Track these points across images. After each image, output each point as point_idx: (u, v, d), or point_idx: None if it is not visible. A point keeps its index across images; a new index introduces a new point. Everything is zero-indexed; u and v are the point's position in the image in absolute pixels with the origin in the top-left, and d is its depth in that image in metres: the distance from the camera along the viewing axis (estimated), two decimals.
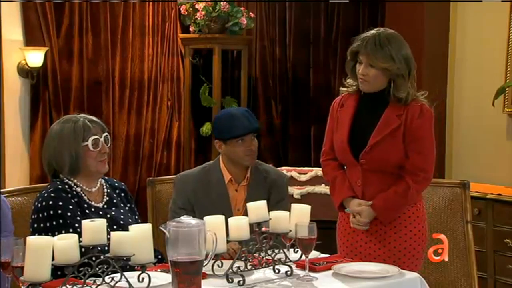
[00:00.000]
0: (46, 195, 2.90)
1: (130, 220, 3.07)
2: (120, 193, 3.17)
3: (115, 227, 2.91)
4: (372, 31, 3.14)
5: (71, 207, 2.89)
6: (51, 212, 2.85)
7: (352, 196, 3.18)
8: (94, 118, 3.06)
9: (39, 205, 2.89)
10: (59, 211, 2.85)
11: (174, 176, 3.64)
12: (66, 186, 2.96)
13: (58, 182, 2.98)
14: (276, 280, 2.72)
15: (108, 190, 3.11)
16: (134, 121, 5.44)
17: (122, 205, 3.12)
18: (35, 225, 2.87)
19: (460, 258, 3.82)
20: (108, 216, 2.97)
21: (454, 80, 5.62)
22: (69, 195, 2.93)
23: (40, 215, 2.87)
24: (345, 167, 3.25)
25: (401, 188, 3.10)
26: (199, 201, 3.39)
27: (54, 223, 2.84)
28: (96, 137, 2.99)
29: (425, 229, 3.21)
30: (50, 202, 2.87)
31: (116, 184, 3.20)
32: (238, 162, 3.43)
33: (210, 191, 3.42)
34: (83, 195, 2.99)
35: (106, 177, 3.16)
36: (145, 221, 3.32)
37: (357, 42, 3.14)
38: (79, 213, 2.91)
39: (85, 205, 2.97)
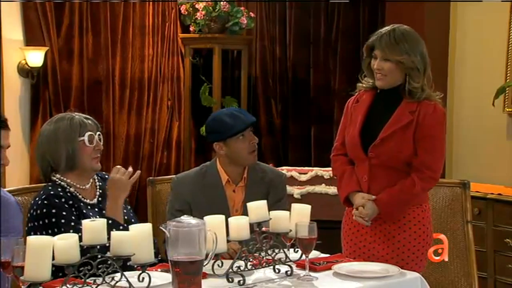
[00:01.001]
0: (39, 202, 2.91)
1: (125, 210, 3.08)
2: None
3: (110, 222, 2.90)
4: (388, 27, 3.16)
5: (64, 213, 2.89)
6: (46, 220, 2.87)
7: (358, 191, 3.18)
8: (88, 116, 3.10)
9: (34, 213, 2.90)
10: (53, 219, 2.87)
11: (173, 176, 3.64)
12: (59, 189, 2.96)
13: (50, 187, 2.98)
14: (276, 280, 2.72)
15: (100, 183, 3.13)
16: (134, 121, 5.44)
17: None
18: (32, 233, 2.87)
19: (460, 258, 3.82)
20: (104, 212, 3.00)
21: (454, 80, 5.62)
22: (63, 199, 2.93)
23: (36, 224, 2.88)
24: (355, 164, 3.25)
25: (406, 184, 3.09)
26: (197, 203, 3.38)
27: (50, 231, 2.84)
28: (91, 133, 3.02)
29: (430, 231, 3.20)
30: (44, 210, 2.88)
31: (107, 176, 3.21)
32: (240, 162, 3.40)
33: (208, 193, 3.41)
34: (77, 194, 3.00)
35: None
36: (145, 221, 3.32)
37: (373, 37, 3.16)
38: (74, 214, 2.91)
39: (81, 204, 2.98)
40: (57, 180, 3.00)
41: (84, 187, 3.04)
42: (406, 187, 3.09)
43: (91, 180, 3.09)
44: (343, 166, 3.24)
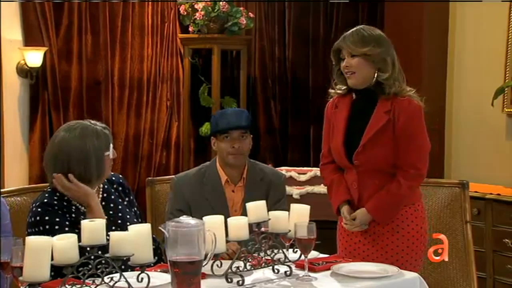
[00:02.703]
0: (34, 210, 2.92)
1: (128, 216, 3.07)
2: (118, 188, 3.16)
3: (113, 228, 2.89)
4: (351, 29, 3.17)
5: (57, 219, 2.88)
6: (41, 228, 2.87)
7: (347, 200, 3.18)
8: (105, 125, 3.09)
9: (30, 220, 2.92)
10: (47, 226, 2.87)
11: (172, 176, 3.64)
12: (55, 197, 2.95)
13: (46, 194, 2.97)
14: (275, 280, 2.72)
15: (105, 186, 3.10)
16: (133, 121, 5.44)
17: (120, 200, 3.10)
18: None
19: (459, 258, 3.82)
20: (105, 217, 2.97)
21: (454, 80, 5.62)
22: (56, 207, 2.92)
23: (33, 230, 2.89)
24: (344, 172, 3.25)
25: (392, 187, 3.08)
26: (196, 203, 3.39)
27: None
28: (112, 145, 3.04)
29: (424, 230, 3.20)
30: (38, 218, 2.89)
31: (113, 178, 3.19)
32: (223, 160, 3.44)
33: (207, 193, 3.42)
34: (76, 203, 2.97)
35: None
36: (144, 221, 3.32)
37: (338, 41, 3.16)
38: (68, 220, 2.90)
39: (79, 212, 2.95)
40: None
41: None
42: (392, 189, 3.08)
43: (96, 187, 3.06)
44: (331, 175, 3.26)
